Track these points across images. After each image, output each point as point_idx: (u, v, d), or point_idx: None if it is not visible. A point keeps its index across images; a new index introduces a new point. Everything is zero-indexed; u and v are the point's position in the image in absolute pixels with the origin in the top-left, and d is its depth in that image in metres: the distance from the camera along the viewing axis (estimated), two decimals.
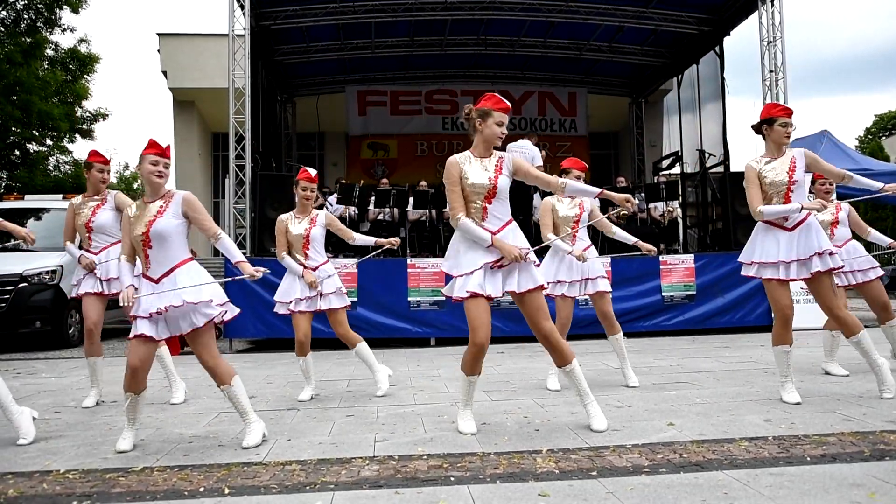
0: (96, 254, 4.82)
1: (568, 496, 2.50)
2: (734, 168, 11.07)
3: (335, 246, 9.08)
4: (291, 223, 4.79)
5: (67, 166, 21.41)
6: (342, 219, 10.29)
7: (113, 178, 5.20)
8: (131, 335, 3.42)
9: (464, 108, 3.63)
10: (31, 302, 8.84)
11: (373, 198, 10.20)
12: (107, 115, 21.21)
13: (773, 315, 4.23)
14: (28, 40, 17.28)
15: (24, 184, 17.91)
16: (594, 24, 11.60)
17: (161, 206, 3.49)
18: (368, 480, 2.76)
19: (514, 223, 3.59)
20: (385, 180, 11.40)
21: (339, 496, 2.59)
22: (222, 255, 3.99)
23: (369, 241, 5.00)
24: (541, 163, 9.53)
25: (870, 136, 37.64)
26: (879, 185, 4.22)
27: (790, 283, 4.11)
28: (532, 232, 8.72)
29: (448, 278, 3.65)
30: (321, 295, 4.71)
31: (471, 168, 3.51)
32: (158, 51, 16.61)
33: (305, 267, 4.73)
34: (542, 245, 4.68)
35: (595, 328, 7.71)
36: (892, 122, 37.84)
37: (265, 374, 6.22)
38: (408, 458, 3.09)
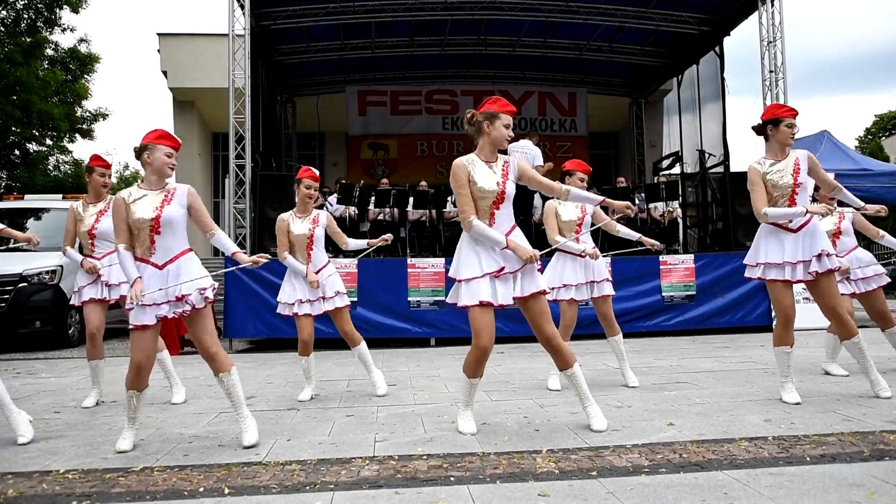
0: (99, 259, 4.82)
1: (568, 496, 2.50)
2: (734, 168, 11.08)
3: (334, 246, 9.08)
4: (293, 222, 4.76)
5: (67, 166, 21.41)
6: (342, 219, 10.30)
7: (113, 179, 5.18)
8: (134, 323, 3.39)
9: (466, 113, 3.61)
10: (30, 302, 8.84)
11: (373, 198, 10.19)
12: (107, 115, 21.23)
13: (773, 315, 4.23)
14: (28, 40, 17.28)
15: (24, 184, 17.91)
16: (594, 24, 11.61)
17: (167, 196, 3.52)
18: (368, 480, 2.76)
19: (517, 227, 3.60)
20: (385, 180, 11.40)
21: (339, 496, 2.59)
22: (222, 254, 4.00)
23: (361, 243, 5.04)
24: (541, 162, 9.53)
25: (870, 137, 37.64)
26: (861, 203, 4.41)
27: (793, 284, 4.11)
28: (532, 232, 8.72)
29: (448, 283, 3.65)
30: (323, 298, 4.71)
31: (478, 172, 3.50)
32: (158, 51, 16.61)
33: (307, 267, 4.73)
34: (551, 248, 4.68)
35: (595, 328, 7.71)
36: (892, 122, 37.83)
37: (265, 374, 6.22)
38: (408, 458, 3.09)
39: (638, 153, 15.24)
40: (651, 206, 10.82)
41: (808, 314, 7.84)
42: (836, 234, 5.26)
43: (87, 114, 20.89)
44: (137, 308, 3.39)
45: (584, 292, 4.81)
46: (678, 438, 3.28)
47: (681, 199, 11.25)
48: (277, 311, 4.86)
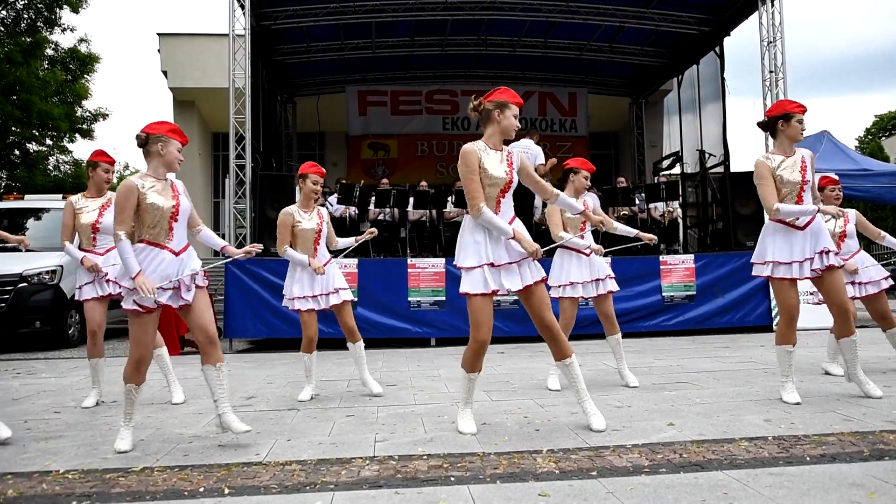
0: (102, 254, 4.78)
1: (568, 496, 2.50)
2: (734, 168, 11.08)
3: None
4: (299, 217, 4.74)
5: (67, 166, 21.42)
6: (342, 219, 10.30)
7: (113, 178, 5.16)
8: (139, 306, 3.36)
9: (473, 100, 3.60)
10: (30, 302, 8.83)
11: (373, 198, 10.20)
12: (107, 115, 21.24)
13: (775, 314, 4.23)
14: (28, 40, 17.29)
15: (24, 184, 17.92)
16: (594, 24, 11.62)
17: (173, 187, 3.58)
18: (368, 480, 2.76)
19: (517, 219, 3.63)
20: (385, 180, 11.40)
21: (339, 496, 2.59)
22: (222, 254, 4.01)
23: (349, 240, 5.07)
24: (543, 161, 9.54)
25: (869, 137, 37.62)
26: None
27: (797, 283, 4.11)
28: (533, 233, 8.72)
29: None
30: (327, 294, 4.72)
31: (488, 159, 3.51)
32: (158, 51, 16.62)
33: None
34: (555, 245, 4.68)
35: (595, 328, 7.70)
36: (892, 122, 37.82)
37: (265, 374, 6.22)
38: (408, 458, 3.09)
39: (638, 153, 15.25)
40: (651, 206, 10.82)
41: (808, 314, 7.82)
42: (841, 237, 5.25)
43: (87, 114, 20.91)
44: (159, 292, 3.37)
45: (591, 290, 4.83)
46: (678, 438, 3.28)
47: (681, 199, 11.26)
48: (284, 304, 4.81)
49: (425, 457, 3.10)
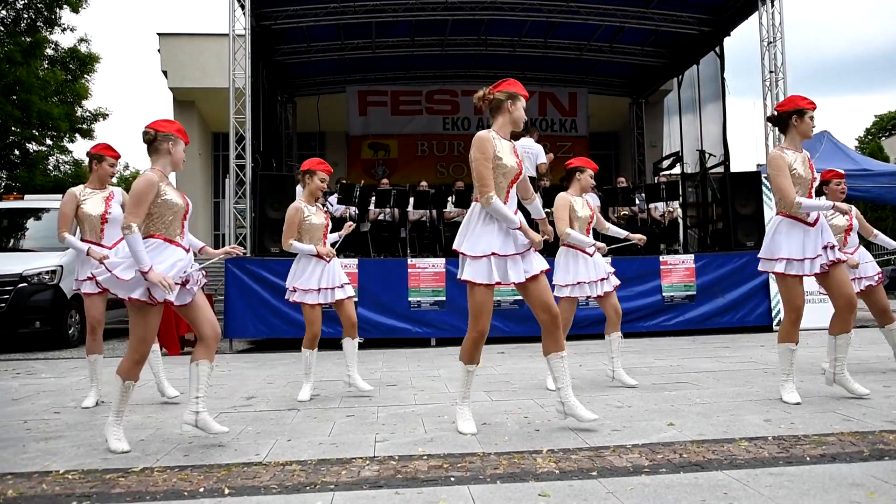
0: (109, 247, 4.67)
1: (568, 496, 2.50)
2: (734, 168, 11.08)
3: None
4: (307, 212, 4.78)
5: (67, 166, 21.42)
6: (342, 219, 10.29)
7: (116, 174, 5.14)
8: (151, 298, 3.30)
9: (480, 90, 3.60)
10: (30, 302, 8.83)
11: (373, 198, 10.19)
12: (107, 115, 21.25)
13: (775, 314, 4.22)
14: (28, 40, 17.29)
15: (23, 183, 17.92)
16: (595, 24, 11.62)
17: (177, 187, 3.62)
18: (368, 481, 2.76)
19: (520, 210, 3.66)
20: (385, 180, 11.40)
21: (339, 496, 2.59)
22: (222, 254, 4.01)
23: (332, 237, 5.11)
24: (544, 160, 9.54)
25: (869, 137, 37.63)
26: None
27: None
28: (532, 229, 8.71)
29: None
30: (333, 288, 4.74)
31: (501, 148, 3.52)
32: (158, 50, 16.62)
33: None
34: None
35: (594, 328, 7.71)
36: (892, 122, 37.84)
37: (265, 374, 6.22)
38: (408, 458, 3.09)
39: (638, 153, 15.25)
40: (651, 206, 10.82)
41: (808, 314, 7.84)
42: (847, 230, 5.28)
43: (87, 114, 20.92)
44: (123, 282, 3.30)
45: (597, 288, 4.86)
46: (678, 438, 3.28)
47: (681, 199, 11.25)
48: (294, 298, 4.76)
49: (425, 457, 3.10)
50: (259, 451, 3.30)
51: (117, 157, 4.97)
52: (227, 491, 2.68)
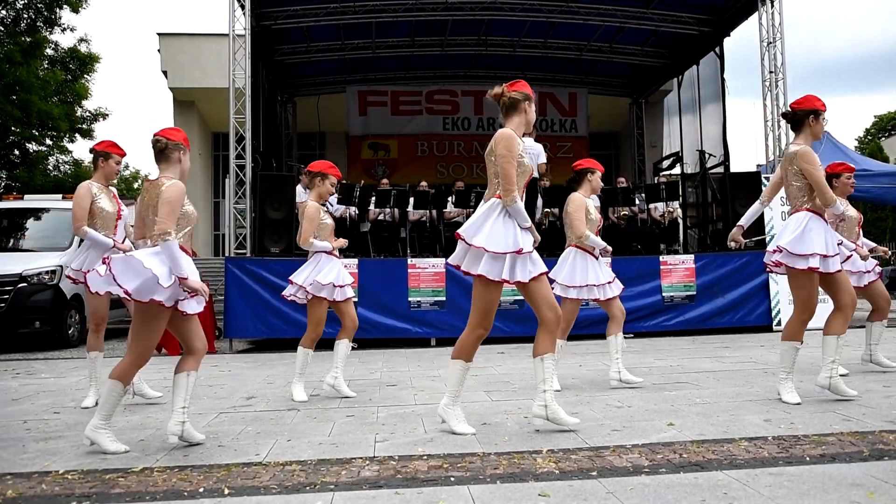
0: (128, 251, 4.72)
1: (568, 496, 2.50)
2: (734, 168, 11.08)
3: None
4: (322, 213, 4.83)
5: (67, 166, 21.43)
6: (343, 219, 10.29)
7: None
8: (165, 300, 3.26)
9: (500, 88, 3.59)
10: (30, 302, 8.83)
11: (373, 198, 10.19)
12: (107, 115, 21.26)
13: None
14: (28, 40, 17.30)
15: (23, 183, 17.93)
16: (595, 24, 11.62)
17: None
18: (368, 481, 2.76)
19: None
20: (385, 180, 11.39)
21: (339, 496, 2.59)
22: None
23: (325, 245, 5.07)
24: (545, 160, 9.54)
25: (869, 137, 37.62)
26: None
27: None
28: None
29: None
30: (341, 286, 4.76)
31: (522, 148, 3.54)
32: (158, 51, 16.63)
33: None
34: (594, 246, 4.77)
35: (594, 328, 7.71)
36: (892, 123, 37.82)
37: (265, 375, 6.22)
38: (408, 458, 3.09)
39: (638, 153, 15.25)
40: (651, 206, 10.82)
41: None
42: (859, 223, 5.39)
43: (87, 114, 20.93)
44: (163, 289, 3.26)
45: (605, 292, 4.88)
46: (678, 438, 3.28)
47: (681, 199, 11.25)
48: (287, 293, 4.81)
49: (425, 457, 3.10)
50: (259, 451, 3.30)
51: (123, 154, 4.98)
52: (226, 491, 2.68)
